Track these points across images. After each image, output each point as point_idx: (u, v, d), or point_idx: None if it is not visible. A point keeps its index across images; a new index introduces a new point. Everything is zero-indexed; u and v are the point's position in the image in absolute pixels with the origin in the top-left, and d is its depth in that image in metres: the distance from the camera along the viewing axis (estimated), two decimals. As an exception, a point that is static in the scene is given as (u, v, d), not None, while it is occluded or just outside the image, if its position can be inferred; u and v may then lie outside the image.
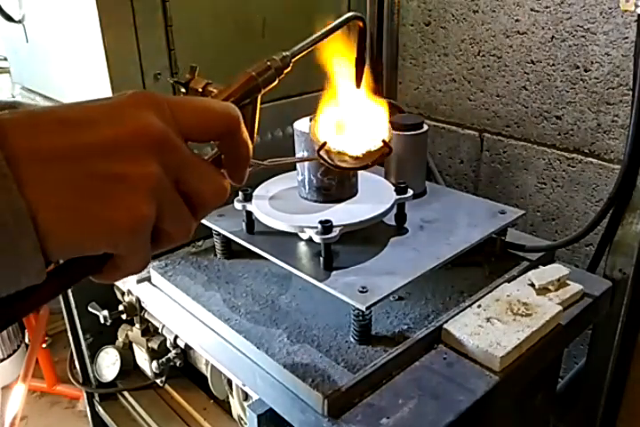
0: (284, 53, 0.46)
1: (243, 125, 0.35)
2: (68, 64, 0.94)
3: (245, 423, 1.10)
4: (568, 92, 1.04)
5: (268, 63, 0.45)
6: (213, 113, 0.34)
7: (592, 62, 0.99)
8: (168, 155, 0.31)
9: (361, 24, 0.57)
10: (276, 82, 0.45)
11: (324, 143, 0.68)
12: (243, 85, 0.43)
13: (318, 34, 0.51)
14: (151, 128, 0.30)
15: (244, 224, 0.86)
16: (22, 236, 0.26)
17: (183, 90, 0.49)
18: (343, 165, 0.70)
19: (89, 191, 0.28)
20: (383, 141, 0.70)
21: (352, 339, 0.74)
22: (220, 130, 0.34)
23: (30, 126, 0.28)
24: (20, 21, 1.02)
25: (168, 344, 1.18)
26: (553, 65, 1.04)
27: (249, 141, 0.36)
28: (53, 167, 0.27)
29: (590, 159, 1.05)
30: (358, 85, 0.65)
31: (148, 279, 0.93)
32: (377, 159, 0.71)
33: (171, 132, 0.31)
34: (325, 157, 0.69)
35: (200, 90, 0.48)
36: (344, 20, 0.53)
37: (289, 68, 0.46)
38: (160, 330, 1.18)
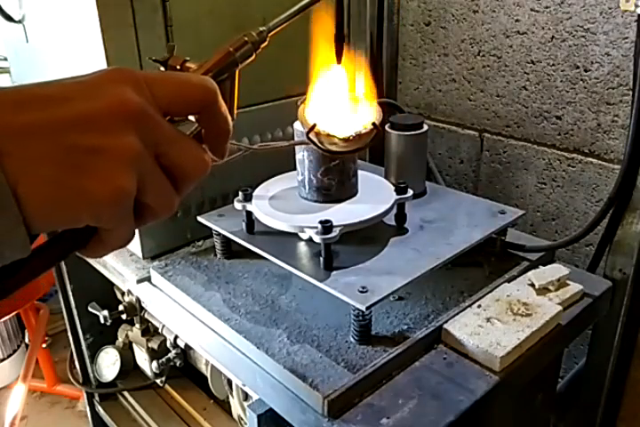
0: (260, 28, 0.47)
1: (220, 98, 0.36)
2: (68, 64, 0.94)
3: (245, 423, 1.10)
4: (568, 92, 1.04)
5: (245, 38, 0.45)
6: (190, 86, 0.35)
7: (592, 62, 0.99)
8: (146, 128, 0.31)
9: None
10: (253, 57, 0.46)
11: (314, 125, 0.68)
12: (220, 60, 0.43)
13: (293, 9, 0.51)
14: (127, 102, 0.30)
15: (243, 224, 0.86)
16: (3, 208, 0.27)
17: (162, 68, 0.50)
18: (333, 148, 0.70)
19: (68, 164, 0.28)
20: (373, 124, 0.70)
21: (352, 339, 0.74)
22: (197, 103, 0.35)
23: (6, 103, 0.28)
24: (20, 21, 1.02)
25: (168, 344, 1.19)
26: (553, 65, 1.04)
27: (228, 115, 0.37)
28: (32, 141, 0.28)
29: (590, 159, 1.05)
30: (339, 61, 0.66)
31: (148, 279, 0.93)
32: (368, 143, 0.71)
33: (148, 106, 0.31)
34: (315, 139, 0.69)
35: (178, 67, 0.49)
36: None
37: (266, 43, 0.47)
38: (160, 330, 1.18)
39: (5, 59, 1.18)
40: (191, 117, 0.37)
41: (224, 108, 0.36)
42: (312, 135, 0.68)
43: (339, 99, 0.72)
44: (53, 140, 0.28)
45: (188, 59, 0.49)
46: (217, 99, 0.35)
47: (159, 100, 0.33)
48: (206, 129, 0.37)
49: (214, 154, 0.38)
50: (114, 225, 0.32)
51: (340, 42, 0.64)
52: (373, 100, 0.72)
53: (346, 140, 0.69)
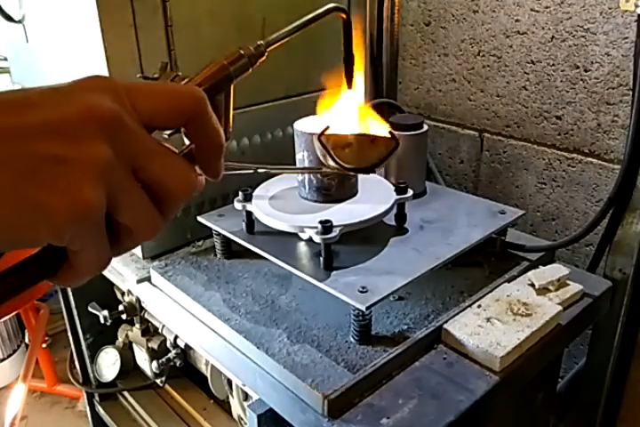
0: (258, 42, 0.45)
1: (210, 108, 0.32)
2: (68, 64, 0.94)
3: (245, 423, 1.10)
4: (568, 92, 1.04)
5: (241, 52, 0.43)
6: (175, 95, 0.31)
7: (592, 62, 0.99)
8: (120, 137, 0.28)
9: (344, 16, 0.55)
10: (249, 71, 0.43)
11: (327, 128, 0.65)
12: (214, 74, 0.41)
13: (295, 24, 0.49)
14: (99, 108, 0.28)
15: (243, 224, 0.86)
16: None
17: None
18: (347, 158, 0.66)
19: (28, 174, 0.26)
20: (390, 133, 0.67)
21: (352, 339, 0.74)
22: (184, 113, 0.32)
23: None
24: (20, 21, 1.02)
25: (168, 344, 1.18)
26: (553, 65, 1.04)
27: (219, 127, 0.33)
28: None
29: (590, 159, 1.05)
30: (350, 85, 0.63)
31: (148, 279, 0.93)
32: (383, 157, 0.67)
33: (123, 114, 0.29)
34: (329, 146, 0.65)
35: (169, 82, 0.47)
36: (323, 12, 0.51)
37: (263, 58, 0.44)
38: (160, 330, 1.18)
39: (5, 59, 1.18)
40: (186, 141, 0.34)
41: (214, 119, 0.33)
42: (324, 138, 0.65)
43: (353, 115, 0.70)
44: (11, 147, 0.26)
45: (179, 74, 0.47)
46: (206, 109, 0.32)
47: (141, 111, 0.30)
48: (196, 144, 0.33)
49: (207, 173, 0.34)
50: (81, 245, 0.28)
51: (350, 64, 0.61)
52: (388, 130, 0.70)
53: (360, 137, 0.64)
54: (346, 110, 0.69)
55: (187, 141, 0.34)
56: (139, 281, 0.93)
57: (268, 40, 0.46)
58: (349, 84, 0.62)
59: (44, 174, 0.26)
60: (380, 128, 0.68)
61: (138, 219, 0.30)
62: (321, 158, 0.65)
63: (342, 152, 0.65)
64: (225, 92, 0.41)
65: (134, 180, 0.29)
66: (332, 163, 0.64)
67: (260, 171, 0.59)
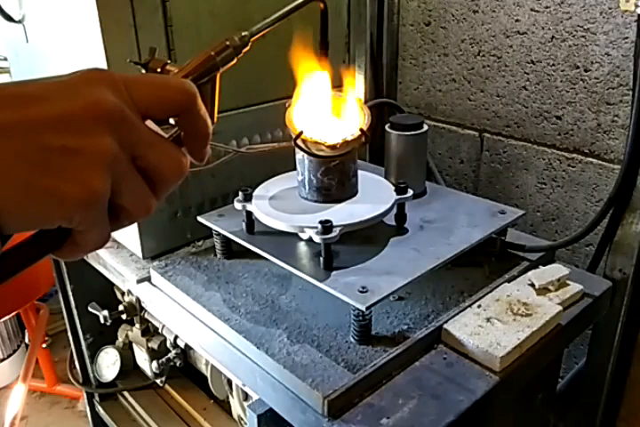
0: (242, 33, 0.47)
1: (200, 101, 0.36)
2: (68, 64, 0.94)
3: (245, 423, 1.10)
4: (568, 92, 1.04)
5: (227, 42, 0.46)
6: (169, 88, 0.34)
7: (592, 62, 0.99)
8: (123, 130, 0.31)
9: (322, 6, 0.58)
10: (234, 61, 0.46)
11: (301, 133, 0.69)
12: (201, 64, 0.43)
13: (277, 14, 0.51)
14: (104, 103, 0.30)
15: (243, 224, 0.86)
16: None
17: (143, 70, 0.50)
18: (321, 153, 0.72)
19: (41, 165, 0.28)
20: (361, 130, 0.71)
21: (352, 339, 0.74)
22: (176, 105, 0.35)
23: None
24: (20, 21, 1.02)
25: (168, 344, 1.19)
26: (553, 65, 1.04)
27: (207, 118, 0.37)
28: (4, 141, 0.28)
29: (590, 159, 1.05)
30: (323, 67, 0.67)
31: (148, 279, 0.93)
32: (355, 147, 0.73)
33: (125, 108, 0.31)
34: (302, 145, 0.71)
35: (159, 70, 0.49)
36: (303, 2, 0.54)
37: (247, 48, 0.47)
38: (160, 330, 1.18)
39: (5, 59, 1.18)
40: (171, 121, 0.37)
41: (203, 111, 0.36)
42: (299, 141, 0.70)
43: (326, 104, 0.74)
44: (27, 140, 0.28)
45: (168, 62, 0.49)
46: (196, 101, 0.35)
47: (137, 103, 0.32)
48: (186, 132, 0.37)
49: (194, 157, 0.38)
50: (87, 227, 0.31)
51: (325, 49, 0.65)
52: (361, 104, 0.75)
53: (332, 147, 0.72)
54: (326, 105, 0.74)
55: (172, 121, 0.37)
56: (139, 281, 0.93)
57: (251, 31, 0.48)
58: (322, 67, 0.67)
59: (57, 165, 0.29)
60: (354, 120, 0.74)
61: (135, 201, 0.33)
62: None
63: (317, 152, 0.71)
64: (212, 80, 0.43)
65: (134, 168, 0.32)
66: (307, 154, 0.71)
67: (240, 151, 0.62)
